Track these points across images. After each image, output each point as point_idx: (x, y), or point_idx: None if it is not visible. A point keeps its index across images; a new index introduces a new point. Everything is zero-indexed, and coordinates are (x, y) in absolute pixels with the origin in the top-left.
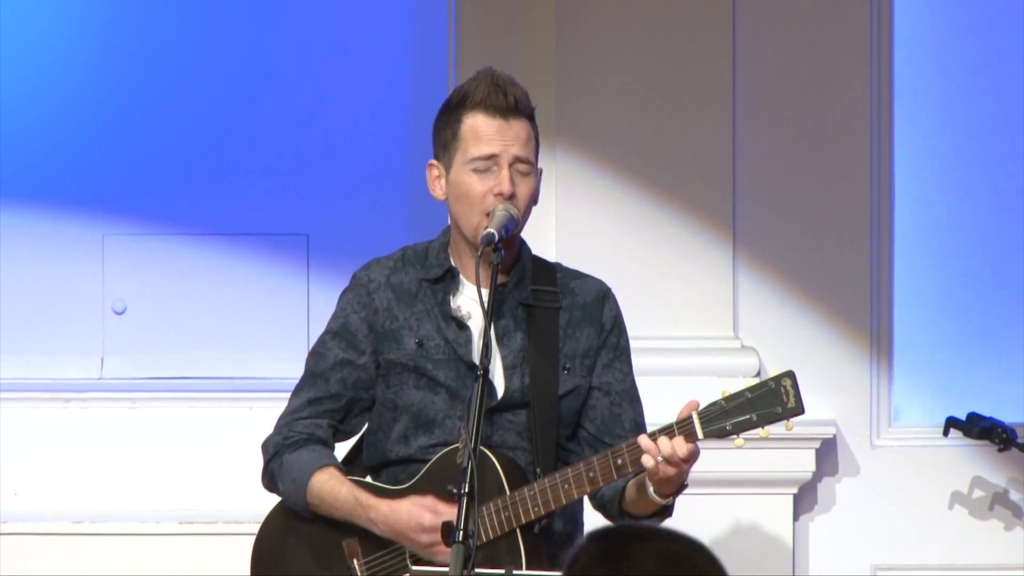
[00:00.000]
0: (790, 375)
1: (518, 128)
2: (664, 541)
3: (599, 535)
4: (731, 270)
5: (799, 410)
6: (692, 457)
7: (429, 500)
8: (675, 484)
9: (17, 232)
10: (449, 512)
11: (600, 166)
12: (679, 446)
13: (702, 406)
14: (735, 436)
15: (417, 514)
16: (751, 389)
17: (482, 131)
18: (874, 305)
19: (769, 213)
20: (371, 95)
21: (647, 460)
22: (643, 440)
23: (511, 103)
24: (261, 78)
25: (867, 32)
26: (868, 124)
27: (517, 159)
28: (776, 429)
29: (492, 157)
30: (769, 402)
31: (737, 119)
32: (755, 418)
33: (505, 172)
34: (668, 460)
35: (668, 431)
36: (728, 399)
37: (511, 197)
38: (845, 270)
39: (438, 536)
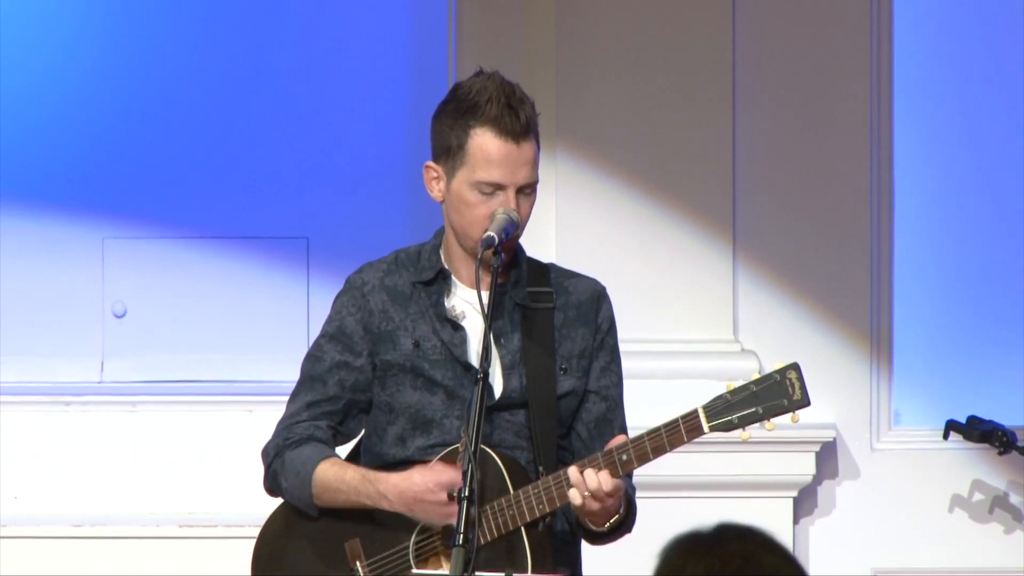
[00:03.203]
0: (795, 367)
1: (527, 152)
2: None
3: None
4: (731, 271)
5: (805, 402)
6: (616, 492)
7: (438, 464)
8: (605, 516)
9: (17, 235)
10: (455, 470)
11: (600, 166)
12: (604, 480)
13: (706, 401)
14: (741, 430)
15: (431, 476)
16: (756, 382)
17: (493, 155)
18: (874, 307)
19: (769, 213)
20: (371, 96)
21: (574, 495)
22: (572, 471)
23: (523, 126)
24: (261, 80)
25: (867, 32)
26: (868, 124)
27: (522, 188)
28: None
29: (500, 187)
30: (775, 394)
31: (737, 119)
32: (761, 411)
33: (512, 200)
34: (593, 495)
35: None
36: (733, 392)
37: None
38: (845, 271)
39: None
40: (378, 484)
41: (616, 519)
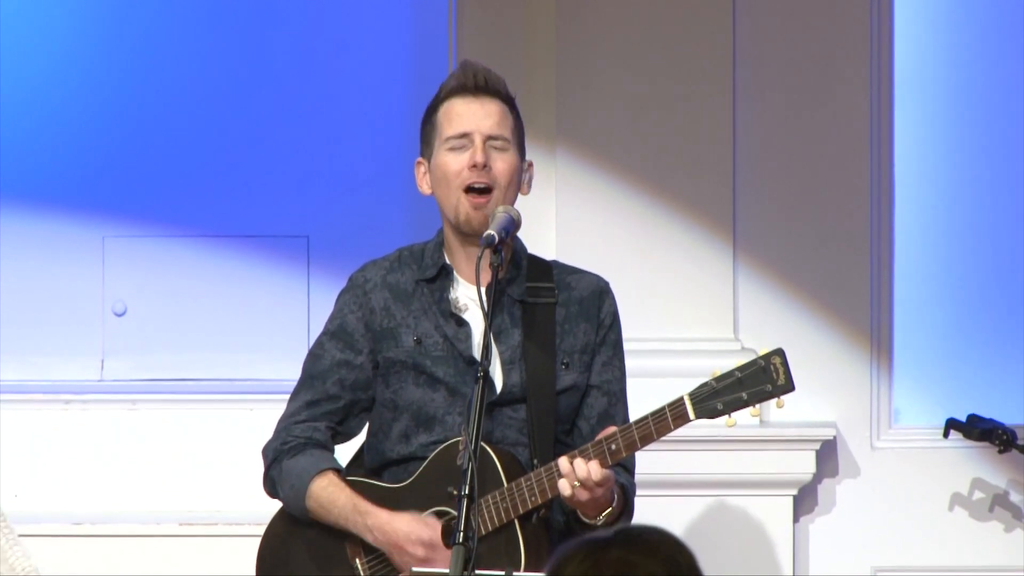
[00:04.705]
0: (779, 353)
1: (490, 106)
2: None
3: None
4: (731, 270)
5: (789, 387)
6: (605, 482)
7: (427, 517)
8: (596, 508)
9: (17, 234)
10: (435, 528)
11: (600, 166)
12: (593, 470)
13: (692, 388)
14: (727, 415)
15: (417, 528)
16: (740, 368)
17: (454, 111)
18: (874, 306)
19: (769, 213)
20: (371, 96)
21: (563, 485)
22: (562, 461)
23: (481, 82)
24: (261, 79)
25: (867, 32)
26: (868, 124)
27: (491, 136)
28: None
29: (465, 135)
30: (759, 380)
31: (737, 119)
32: (746, 396)
33: (478, 144)
34: (582, 483)
35: (583, 455)
36: (718, 379)
37: (484, 167)
38: (845, 270)
39: (433, 552)
40: (367, 518)
41: (610, 511)
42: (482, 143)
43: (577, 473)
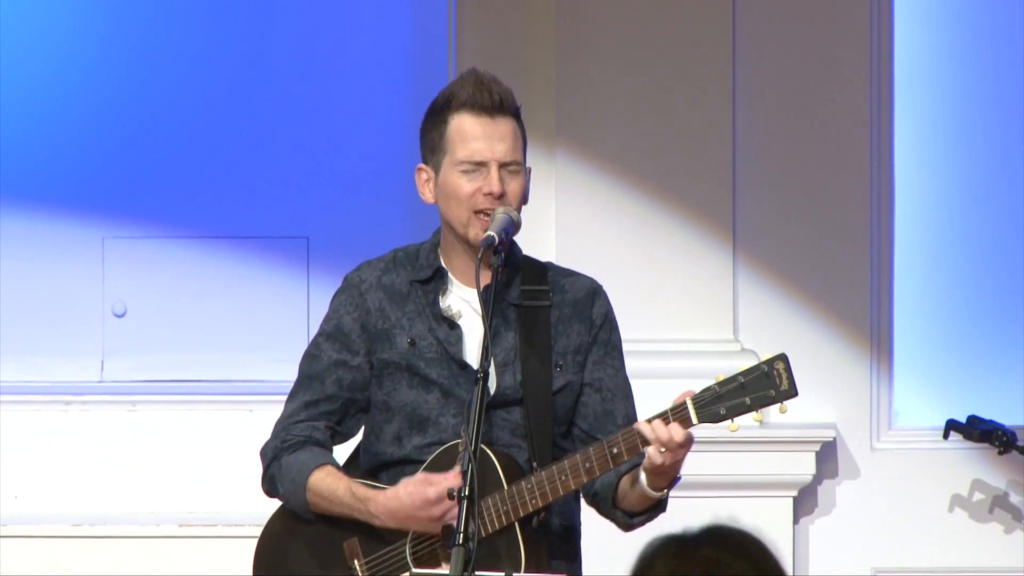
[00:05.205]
0: (782, 358)
1: (504, 127)
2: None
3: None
4: (731, 271)
5: (792, 392)
6: (688, 443)
7: (421, 476)
8: (669, 476)
9: (18, 235)
10: (444, 480)
11: (600, 166)
12: (676, 431)
13: (695, 393)
14: (729, 420)
15: (418, 492)
16: (744, 373)
17: (468, 132)
18: (874, 307)
19: (769, 213)
20: (371, 97)
21: (653, 452)
22: (642, 426)
23: (496, 101)
24: (261, 80)
25: (867, 32)
26: (868, 124)
27: (505, 163)
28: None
29: (481, 163)
30: (762, 385)
31: (737, 119)
32: (749, 401)
33: (494, 174)
34: (665, 446)
35: (662, 417)
36: (721, 384)
37: (501, 196)
38: (845, 271)
39: (447, 504)
40: (368, 504)
41: (673, 484)
42: (497, 171)
43: (660, 437)
